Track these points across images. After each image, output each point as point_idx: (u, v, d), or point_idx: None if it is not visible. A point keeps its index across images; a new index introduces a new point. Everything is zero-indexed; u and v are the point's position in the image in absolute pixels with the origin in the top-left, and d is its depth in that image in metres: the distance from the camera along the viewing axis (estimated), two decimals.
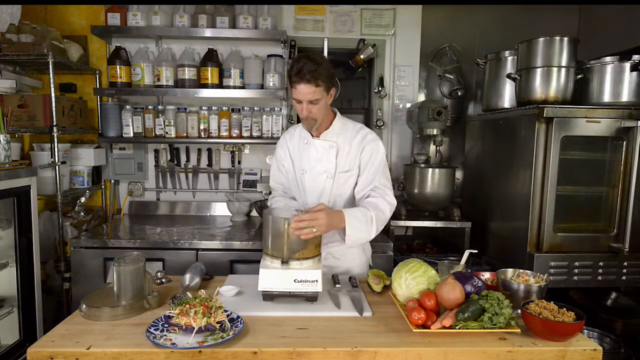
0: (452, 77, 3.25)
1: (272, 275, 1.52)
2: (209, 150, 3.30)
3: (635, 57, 2.17)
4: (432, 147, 3.16)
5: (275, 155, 2.05)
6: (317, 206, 1.65)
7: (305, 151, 1.92)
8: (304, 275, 1.51)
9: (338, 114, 1.94)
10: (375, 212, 1.79)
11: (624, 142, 2.19)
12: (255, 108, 3.15)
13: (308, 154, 1.91)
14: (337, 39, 3.31)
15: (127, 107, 3.07)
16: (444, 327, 1.33)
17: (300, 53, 1.75)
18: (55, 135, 2.67)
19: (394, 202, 1.87)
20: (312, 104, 1.74)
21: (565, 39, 2.23)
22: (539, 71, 2.26)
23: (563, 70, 2.23)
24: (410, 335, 1.34)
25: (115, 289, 1.48)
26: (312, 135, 1.90)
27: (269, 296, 1.55)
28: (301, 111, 1.76)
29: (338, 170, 1.88)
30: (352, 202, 1.94)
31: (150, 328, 1.31)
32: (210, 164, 3.32)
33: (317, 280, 1.51)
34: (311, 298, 1.55)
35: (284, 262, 1.53)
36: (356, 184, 1.91)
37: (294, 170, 1.97)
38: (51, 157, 2.74)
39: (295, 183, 1.98)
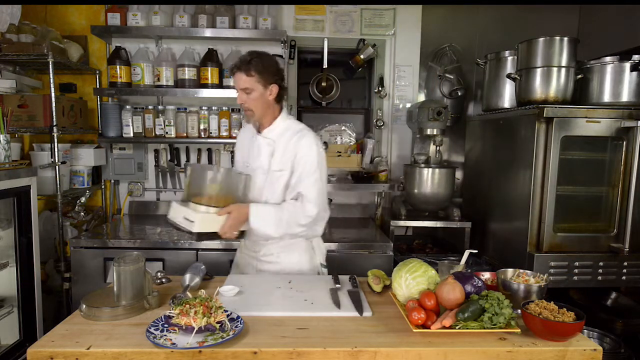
0: (452, 77, 3.25)
1: (174, 208, 1.83)
2: (209, 150, 3.30)
3: (635, 57, 2.17)
4: (432, 147, 3.16)
5: (237, 140, 2.21)
6: (227, 209, 1.81)
7: (251, 146, 2.03)
8: (188, 215, 1.76)
9: (283, 114, 2.00)
10: (288, 214, 1.88)
11: (624, 142, 2.19)
12: None
13: (252, 148, 2.02)
14: (337, 39, 3.31)
15: (127, 107, 3.07)
16: (444, 327, 1.33)
17: None
18: (55, 135, 2.67)
19: (312, 213, 1.88)
20: (246, 93, 1.85)
21: (565, 39, 2.23)
22: (539, 71, 2.26)
23: (563, 70, 2.23)
24: (410, 335, 1.34)
25: (115, 289, 1.48)
26: (258, 132, 1.99)
27: (171, 224, 1.84)
28: (238, 99, 1.89)
29: (271, 168, 1.95)
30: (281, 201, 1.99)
31: (150, 328, 1.31)
32: (210, 164, 3.32)
33: (194, 221, 1.73)
34: (193, 235, 1.77)
35: (184, 201, 1.82)
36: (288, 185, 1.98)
37: (242, 163, 2.09)
38: (51, 157, 2.74)
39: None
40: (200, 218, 1.74)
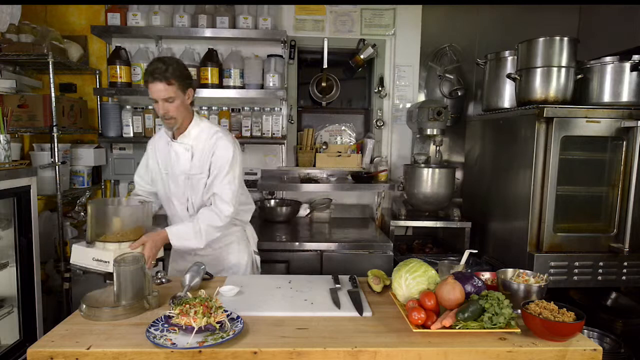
0: (452, 77, 3.25)
1: (79, 251, 1.69)
2: None
3: (635, 57, 2.17)
4: (432, 147, 3.16)
5: (146, 151, 2.16)
6: (141, 240, 1.74)
7: (166, 153, 2.03)
8: (99, 255, 1.64)
9: (196, 118, 2.01)
10: (206, 225, 1.90)
11: (624, 142, 2.18)
12: (256, 108, 3.15)
13: (168, 155, 2.01)
14: (337, 39, 3.31)
15: (127, 107, 3.07)
16: (444, 327, 1.33)
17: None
18: (55, 135, 2.67)
19: (227, 212, 1.93)
20: (168, 102, 1.83)
21: (565, 39, 2.23)
22: (539, 71, 2.26)
23: (563, 70, 2.23)
24: (410, 335, 1.34)
25: (115, 289, 1.48)
26: (173, 138, 1.99)
27: (78, 268, 1.73)
28: (158, 110, 1.87)
29: (192, 172, 1.98)
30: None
31: (150, 328, 1.31)
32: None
33: (108, 262, 1.61)
34: (106, 277, 1.63)
35: (89, 242, 1.69)
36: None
37: (159, 170, 2.07)
38: (51, 157, 2.74)
39: (161, 183, 2.08)
40: (114, 256, 1.62)
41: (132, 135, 3.05)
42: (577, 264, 2.20)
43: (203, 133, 1.98)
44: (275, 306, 1.54)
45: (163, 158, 2.04)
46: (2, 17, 2.50)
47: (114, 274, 1.48)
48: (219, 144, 1.95)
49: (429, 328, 1.35)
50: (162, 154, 2.05)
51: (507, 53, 2.60)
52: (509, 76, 2.42)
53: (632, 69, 2.17)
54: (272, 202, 3.33)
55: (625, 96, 2.21)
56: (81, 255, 1.68)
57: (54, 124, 2.67)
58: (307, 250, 2.66)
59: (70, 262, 1.71)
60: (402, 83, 3.41)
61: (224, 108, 3.12)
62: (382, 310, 1.53)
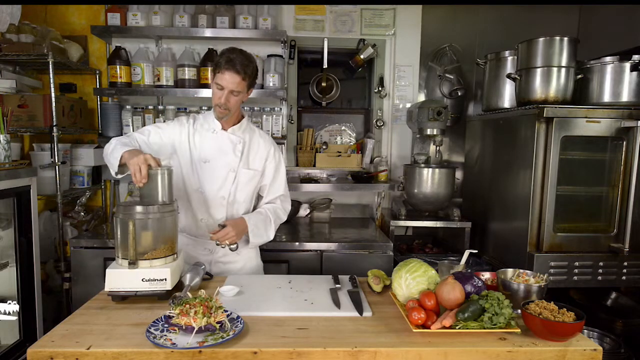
0: (452, 77, 3.25)
1: (119, 276, 1.51)
2: None
3: (635, 57, 2.17)
4: (432, 147, 3.16)
5: (169, 124, 1.97)
6: (226, 224, 1.86)
7: (209, 141, 1.95)
8: (152, 274, 1.51)
9: (246, 115, 2.08)
10: (274, 217, 2.05)
11: (624, 142, 2.18)
12: (255, 108, 3.15)
13: (213, 144, 1.95)
14: (337, 39, 3.31)
15: (127, 107, 3.07)
16: (444, 327, 1.33)
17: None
18: (55, 135, 2.67)
19: (289, 208, 2.17)
20: (233, 94, 1.82)
21: (565, 39, 2.23)
22: (539, 71, 2.26)
23: (563, 70, 2.23)
24: (410, 335, 1.34)
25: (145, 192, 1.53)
26: (222, 127, 1.97)
27: (118, 297, 1.52)
28: (219, 98, 1.82)
29: (242, 166, 1.98)
30: (249, 200, 2.07)
31: (150, 328, 1.31)
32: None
33: (166, 279, 1.52)
34: (162, 296, 1.54)
35: (132, 262, 1.52)
36: (262, 188, 2.10)
37: (192, 157, 1.94)
38: (51, 157, 2.74)
39: (193, 171, 1.95)
40: (171, 271, 1.53)
41: None
42: (577, 264, 2.20)
43: (253, 132, 2.05)
44: (275, 306, 1.54)
45: (199, 146, 1.94)
46: (2, 17, 2.50)
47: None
48: (273, 147, 2.07)
49: (429, 328, 1.34)
50: (199, 142, 1.94)
51: (507, 53, 2.60)
52: (509, 76, 2.42)
53: (632, 69, 2.18)
54: None
55: (625, 96, 2.21)
56: (124, 280, 1.50)
57: (54, 124, 2.67)
58: (307, 250, 2.66)
59: (108, 289, 1.51)
60: (402, 83, 3.41)
61: None
62: (382, 310, 1.53)
